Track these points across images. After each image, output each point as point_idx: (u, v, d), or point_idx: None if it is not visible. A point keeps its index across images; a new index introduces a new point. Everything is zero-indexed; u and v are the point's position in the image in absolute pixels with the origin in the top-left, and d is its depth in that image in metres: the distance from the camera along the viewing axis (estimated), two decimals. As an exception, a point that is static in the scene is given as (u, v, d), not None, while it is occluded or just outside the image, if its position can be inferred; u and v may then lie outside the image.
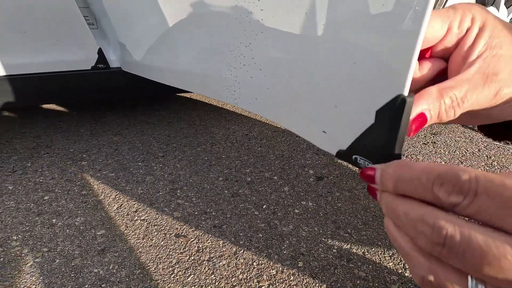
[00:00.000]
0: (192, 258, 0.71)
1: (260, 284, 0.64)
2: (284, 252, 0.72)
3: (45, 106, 1.53)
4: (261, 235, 0.77)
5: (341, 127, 0.22)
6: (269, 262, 0.70)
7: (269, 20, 0.28)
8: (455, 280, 0.13)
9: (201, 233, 0.77)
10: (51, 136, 1.24)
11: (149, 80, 0.76)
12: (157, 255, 0.71)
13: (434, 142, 1.22)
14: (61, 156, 1.10)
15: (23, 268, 0.67)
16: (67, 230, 0.78)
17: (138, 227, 0.79)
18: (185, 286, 0.64)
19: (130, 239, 0.75)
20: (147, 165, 1.06)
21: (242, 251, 0.72)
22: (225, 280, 0.65)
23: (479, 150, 1.17)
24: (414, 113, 0.17)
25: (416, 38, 0.15)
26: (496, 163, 1.10)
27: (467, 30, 0.18)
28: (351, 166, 1.04)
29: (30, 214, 0.83)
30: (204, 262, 0.70)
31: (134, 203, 0.88)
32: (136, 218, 0.82)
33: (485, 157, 1.14)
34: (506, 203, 0.12)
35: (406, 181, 0.15)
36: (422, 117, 0.17)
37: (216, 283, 0.64)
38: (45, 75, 0.89)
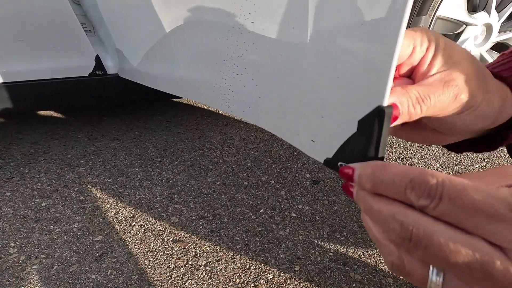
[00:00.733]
0: (190, 263, 0.71)
1: (257, 288, 0.65)
2: (281, 256, 0.73)
3: (43, 112, 1.54)
4: (258, 239, 0.77)
5: (328, 136, 0.23)
6: (266, 266, 0.70)
7: (260, 33, 0.29)
8: (419, 268, 0.15)
9: (198, 238, 0.78)
10: (49, 142, 1.24)
11: (145, 86, 0.77)
12: (154, 261, 0.71)
13: (429, 145, 1.24)
14: (58, 162, 1.10)
15: (21, 275, 0.68)
16: (65, 236, 0.78)
17: (136, 232, 0.80)
18: (183, 291, 0.64)
19: (127, 244, 0.76)
20: (145, 170, 1.06)
21: (239, 255, 0.73)
22: (222, 284, 0.66)
23: (473, 153, 1.19)
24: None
25: (392, 53, 0.16)
26: (489, 165, 1.11)
27: (427, 49, 0.20)
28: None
29: (28, 220, 0.83)
30: (202, 267, 0.70)
31: (131, 208, 0.88)
32: (133, 223, 0.83)
33: (479, 159, 1.15)
34: (464, 207, 0.14)
35: (383, 183, 0.16)
36: (394, 109, 0.18)
37: (213, 288, 0.65)
38: (43, 82, 0.90)
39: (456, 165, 1.10)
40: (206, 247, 0.75)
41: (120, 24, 0.82)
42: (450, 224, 0.14)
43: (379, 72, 0.16)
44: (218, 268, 0.70)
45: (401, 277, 0.16)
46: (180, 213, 0.86)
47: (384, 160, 0.19)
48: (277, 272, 0.69)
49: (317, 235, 0.79)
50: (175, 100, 1.58)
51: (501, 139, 0.25)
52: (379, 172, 0.16)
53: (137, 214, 0.86)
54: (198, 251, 0.74)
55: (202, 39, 0.44)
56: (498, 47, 1.29)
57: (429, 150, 1.20)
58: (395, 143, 1.24)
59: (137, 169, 1.07)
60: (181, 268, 0.70)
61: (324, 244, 0.76)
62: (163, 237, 0.78)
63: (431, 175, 0.15)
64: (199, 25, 0.45)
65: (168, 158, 1.14)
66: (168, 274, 0.68)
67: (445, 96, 0.19)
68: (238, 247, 0.75)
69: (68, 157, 1.14)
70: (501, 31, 1.22)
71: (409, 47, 0.20)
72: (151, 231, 0.80)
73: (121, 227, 0.81)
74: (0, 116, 1.47)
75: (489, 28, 1.19)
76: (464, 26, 1.14)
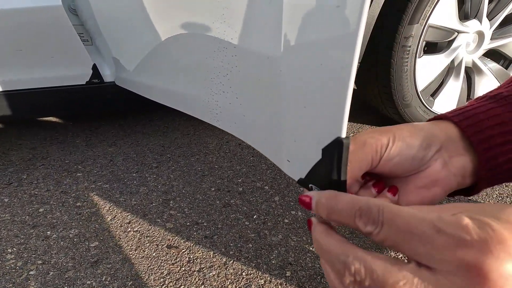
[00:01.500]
0: (183, 269, 0.72)
1: (248, 294, 0.66)
2: (273, 262, 0.74)
3: (42, 117, 1.55)
4: (251, 245, 0.79)
5: (300, 159, 0.24)
6: (258, 272, 0.72)
7: (242, 57, 0.30)
8: None
9: (192, 244, 0.79)
10: (47, 148, 1.26)
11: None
12: (149, 266, 0.73)
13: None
14: (56, 168, 1.12)
15: (18, 281, 0.69)
16: (61, 242, 0.80)
17: (131, 238, 0.81)
18: (176, 297, 0.66)
19: (123, 250, 0.77)
20: (141, 176, 1.08)
21: (232, 261, 0.74)
22: (214, 290, 0.67)
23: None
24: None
25: (346, 90, 0.17)
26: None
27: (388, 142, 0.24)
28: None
29: (25, 226, 0.85)
30: (195, 272, 0.71)
31: (127, 214, 0.90)
32: (129, 229, 0.84)
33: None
34: (399, 231, 0.15)
35: (335, 212, 0.18)
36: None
37: (206, 294, 0.66)
38: (42, 90, 0.92)
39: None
40: (199, 253, 0.77)
41: (117, 34, 0.84)
42: (393, 246, 0.16)
43: (336, 107, 0.18)
44: (211, 274, 0.71)
45: None
46: (175, 219, 0.88)
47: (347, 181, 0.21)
48: (269, 278, 0.70)
49: (309, 241, 0.80)
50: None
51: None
52: (332, 201, 0.18)
53: (132, 220, 0.88)
54: (191, 257, 0.76)
55: (192, 56, 0.46)
56: (491, 53, 1.31)
57: (422, 155, 1.22)
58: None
59: (134, 174, 1.09)
60: (175, 274, 0.71)
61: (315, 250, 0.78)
62: (157, 243, 0.80)
63: (374, 204, 0.16)
64: (189, 42, 0.46)
65: (165, 163, 1.16)
66: (162, 280, 0.70)
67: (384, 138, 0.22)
68: (231, 253, 0.77)
69: (66, 162, 1.16)
70: (493, 38, 1.24)
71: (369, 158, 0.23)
72: (146, 237, 0.82)
73: (117, 233, 0.83)
74: (1, 122, 1.48)
75: (481, 35, 1.21)
76: (456, 33, 1.16)
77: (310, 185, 0.24)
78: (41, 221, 0.87)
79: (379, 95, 1.25)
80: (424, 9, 1.04)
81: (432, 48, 1.21)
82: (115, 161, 1.17)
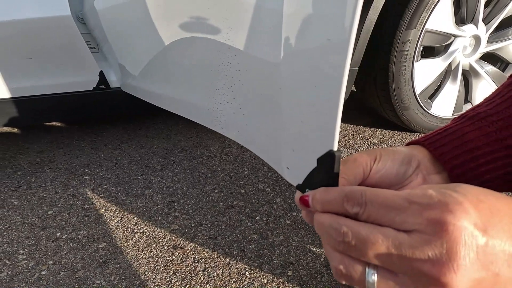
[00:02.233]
0: (189, 268, 0.75)
1: (251, 292, 0.69)
2: (275, 261, 0.77)
3: (49, 122, 1.58)
4: (253, 246, 0.82)
5: (298, 166, 0.27)
6: (260, 271, 0.74)
7: (244, 72, 0.33)
8: (358, 269, 0.19)
9: (197, 245, 0.82)
10: (54, 151, 1.29)
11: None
12: (155, 266, 0.76)
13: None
14: (63, 171, 1.15)
15: (30, 280, 0.72)
16: (71, 244, 0.83)
17: (138, 239, 0.84)
18: (182, 295, 0.68)
19: (130, 251, 0.80)
20: (146, 178, 1.11)
21: (235, 261, 0.77)
22: (219, 289, 0.70)
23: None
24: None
25: (336, 109, 0.20)
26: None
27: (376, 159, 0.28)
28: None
29: (35, 228, 0.88)
30: (200, 272, 0.74)
31: (133, 216, 0.93)
32: (135, 231, 0.87)
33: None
34: (379, 206, 0.19)
35: (327, 202, 0.21)
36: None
37: (210, 292, 0.69)
38: (51, 96, 0.95)
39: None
40: (204, 253, 0.79)
41: (122, 41, 0.87)
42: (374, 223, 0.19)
43: (328, 123, 0.21)
44: (215, 273, 0.74)
45: (347, 283, 0.20)
46: (179, 221, 0.91)
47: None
48: (271, 277, 0.73)
49: (310, 241, 0.83)
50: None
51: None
52: (323, 194, 0.22)
53: (139, 221, 0.91)
54: (196, 257, 0.78)
55: (198, 66, 0.49)
56: (488, 56, 1.34)
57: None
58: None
59: (139, 177, 1.12)
60: (181, 274, 0.74)
61: (316, 250, 0.80)
62: (163, 243, 0.83)
63: (357, 188, 0.20)
64: (194, 53, 0.49)
65: (169, 166, 1.18)
66: (168, 279, 0.73)
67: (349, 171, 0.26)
68: (234, 253, 0.79)
69: (73, 166, 1.19)
70: (489, 41, 1.26)
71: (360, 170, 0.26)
72: (152, 238, 0.85)
73: (124, 234, 0.86)
74: (9, 127, 1.52)
75: (477, 39, 1.23)
76: (453, 38, 1.19)
77: (306, 190, 0.27)
78: (50, 223, 0.90)
79: (378, 98, 1.27)
80: (421, 14, 1.07)
81: (429, 52, 1.24)
82: (120, 164, 1.20)
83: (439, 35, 1.15)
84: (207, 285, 0.71)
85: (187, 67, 0.55)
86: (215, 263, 0.76)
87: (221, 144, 1.35)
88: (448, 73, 1.27)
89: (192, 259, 0.78)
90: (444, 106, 1.30)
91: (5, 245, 0.82)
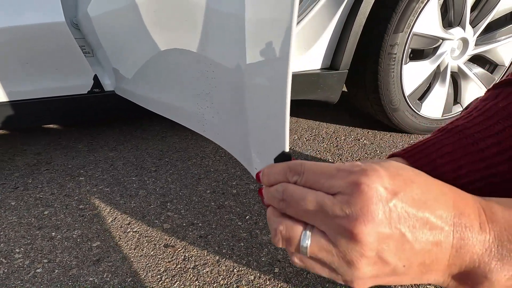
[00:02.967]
0: (179, 266, 0.78)
1: (238, 289, 0.71)
2: (263, 259, 0.79)
3: (46, 125, 1.61)
4: (242, 244, 0.84)
5: (262, 167, 0.29)
6: (248, 268, 0.77)
7: (218, 81, 0.36)
8: (295, 228, 0.22)
9: (187, 243, 0.85)
10: (51, 153, 1.32)
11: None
12: (147, 264, 0.78)
13: (411, 153, 1.30)
14: (60, 172, 1.18)
15: (25, 278, 0.75)
16: (65, 243, 0.85)
17: (131, 238, 0.87)
18: (171, 292, 0.71)
19: (123, 249, 0.83)
20: (140, 179, 1.13)
21: (224, 259, 0.80)
22: (207, 285, 0.72)
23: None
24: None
25: (284, 110, 0.23)
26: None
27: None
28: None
29: (31, 228, 0.91)
30: (190, 269, 0.77)
31: (127, 216, 0.95)
32: (129, 230, 0.90)
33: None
34: (314, 174, 0.22)
35: (273, 174, 0.24)
36: None
37: (199, 289, 0.71)
38: (46, 99, 0.97)
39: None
40: (194, 252, 0.82)
41: (116, 46, 0.90)
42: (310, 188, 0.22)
43: (279, 126, 0.24)
44: (204, 270, 0.76)
45: (283, 246, 0.23)
46: (172, 220, 0.93)
47: None
48: (258, 274, 0.75)
49: (297, 240, 0.86)
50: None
51: None
52: (270, 169, 0.25)
53: (132, 221, 0.93)
54: (187, 255, 0.81)
55: (182, 73, 0.52)
56: (476, 59, 1.36)
57: (410, 157, 1.27)
58: (378, 151, 1.31)
59: (133, 178, 1.14)
60: (171, 271, 0.76)
61: (303, 248, 0.83)
62: (155, 242, 0.85)
63: (298, 161, 0.23)
64: (180, 61, 0.52)
65: (163, 167, 1.21)
66: (158, 276, 0.75)
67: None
68: (224, 251, 0.82)
69: (69, 167, 1.21)
70: (477, 44, 1.29)
71: None
72: (145, 237, 0.87)
73: (117, 233, 0.88)
74: (7, 129, 1.54)
75: (465, 42, 1.26)
76: (441, 41, 1.21)
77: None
78: (46, 223, 0.93)
79: (368, 100, 1.30)
80: (408, 18, 1.10)
81: (418, 54, 1.27)
82: (116, 165, 1.22)
83: (426, 38, 1.18)
84: (196, 282, 0.73)
85: (174, 73, 0.58)
86: (205, 261, 0.79)
87: (215, 146, 1.37)
88: (437, 75, 1.30)
89: (182, 257, 0.80)
90: (434, 108, 1.32)
91: (1, 244, 0.85)
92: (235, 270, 0.76)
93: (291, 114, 1.65)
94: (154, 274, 0.75)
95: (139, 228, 0.90)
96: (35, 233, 0.89)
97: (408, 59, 1.20)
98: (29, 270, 0.77)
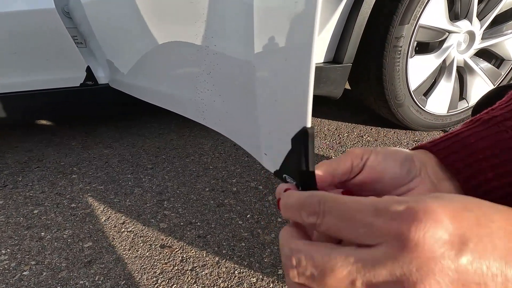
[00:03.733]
0: (176, 268, 0.73)
1: (240, 292, 0.67)
2: (265, 260, 0.75)
3: (37, 120, 1.56)
4: (243, 244, 0.79)
5: (274, 151, 0.25)
6: (250, 270, 0.72)
7: (222, 55, 0.31)
8: None
9: (185, 244, 0.80)
10: (43, 150, 1.26)
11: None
12: (142, 266, 0.73)
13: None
14: (52, 170, 1.13)
15: (11, 281, 0.70)
16: (55, 243, 0.80)
17: (125, 238, 0.82)
18: (168, 296, 0.66)
19: (116, 250, 0.78)
20: (136, 177, 1.09)
21: (224, 260, 0.75)
22: (207, 289, 0.68)
23: None
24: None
25: (307, 82, 0.18)
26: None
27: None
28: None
29: (20, 228, 0.85)
30: (187, 271, 0.72)
31: (121, 215, 0.90)
32: (123, 229, 0.85)
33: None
34: (341, 218, 0.16)
35: (288, 208, 0.19)
36: None
37: (198, 292, 0.66)
38: (36, 92, 0.92)
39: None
40: (192, 252, 0.77)
41: (110, 36, 0.85)
42: (333, 238, 0.17)
43: (300, 98, 0.19)
44: (203, 272, 0.72)
45: None
46: (169, 219, 0.89)
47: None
48: (261, 276, 0.71)
49: (302, 239, 0.81)
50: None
51: None
52: (286, 199, 0.19)
53: (126, 220, 0.88)
54: (184, 256, 0.76)
55: (179, 56, 0.47)
56: (482, 53, 1.33)
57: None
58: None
59: (129, 176, 1.09)
60: (168, 273, 0.72)
61: (307, 248, 0.78)
62: (151, 243, 0.80)
63: (315, 195, 0.17)
64: (176, 43, 0.47)
65: (160, 164, 1.16)
66: (154, 279, 0.70)
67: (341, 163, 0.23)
68: (224, 252, 0.77)
69: (62, 164, 1.16)
70: (483, 38, 1.25)
71: (347, 163, 0.24)
72: (140, 237, 0.82)
73: (111, 233, 0.83)
74: (-5, 124, 1.49)
75: (471, 35, 1.22)
76: (447, 34, 1.18)
77: (284, 176, 0.25)
78: (35, 222, 0.87)
79: (372, 95, 1.26)
80: (414, 10, 1.06)
81: (423, 48, 1.23)
82: (111, 163, 1.17)
83: (433, 31, 1.14)
84: (194, 285, 0.69)
85: (171, 59, 0.53)
86: (204, 262, 0.74)
87: (214, 143, 1.33)
88: (442, 70, 1.26)
89: (180, 258, 0.76)
90: (439, 103, 1.29)
91: (-13, 245, 0.80)
92: (236, 272, 0.72)
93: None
94: (150, 277, 0.71)
95: (134, 228, 0.85)
96: (23, 233, 0.83)
97: (413, 53, 1.16)
98: (15, 272, 0.72)
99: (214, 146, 1.30)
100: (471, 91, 1.33)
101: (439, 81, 1.26)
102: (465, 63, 1.28)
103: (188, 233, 0.83)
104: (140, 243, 0.80)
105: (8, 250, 0.78)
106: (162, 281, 0.70)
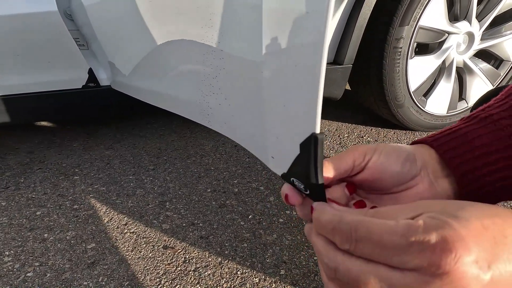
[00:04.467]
0: (179, 268, 0.73)
1: (243, 292, 0.67)
2: (267, 260, 0.75)
3: (39, 122, 1.56)
4: (246, 245, 0.80)
5: (282, 154, 0.26)
6: (252, 271, 0.73)
7: (228, 60, 0.32)
8: None
9: (188, 244, 0.80)
10: (44, 151, 1.27)
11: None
12: (145, 267, 0.74)
13: (416, 150, 1.27)
14: (53, 171, 1.13)
15: (15, 282, 0.70)
16: (58, 245, 0.80)
17: (128, 239, 0.82)
18: (171, 296, 0.66)
19: (119, 251, 0.78)
20: (138, 178, 1.09)
21: (227, 260, 0.75)
22: (210, 289, 0.68)
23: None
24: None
25: (317, 89, 0.19)
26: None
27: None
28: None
29: (23, 229, 0.86)
30: (190, 272, 0.72)
31: (124, 216, 0.91)
32: (125, 231, 0.85)
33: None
34: (374, 246, 0.17)
35: (321, 226, 0.20)
36: None
37: (201, 293, 0.67)
38: (38, 94, 0.93)
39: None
40: (195, 253, 0.78)
41: (112, 38, 0.85)
42: (369, 260, 0.18)
43: (309, 106, 0.20)
44: (206, 273, 0.72)
45: None
46: (171, 220, 0.89)
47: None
48: (263, 276, 0.71)
49: (303, 240, 0.82)
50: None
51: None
52: (319, 214, 0.20)
53: (129, 221, 0.89)
54: (187, 257, 0.77)
55: (184, 59, 0.48)
56: (481, 54, 1.33)
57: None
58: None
59: (131, 177, 1.10)
60: (171, 274, 0.72)
61: (309, 249, 0.79)
62: (154, 243, 0.81)
63: (347, 222, 0.18)
64: (181, 46, 0.48)
65: (161, 165, 1.17)
66: (157, 280, 0.71)
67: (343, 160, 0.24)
68: (226, 252, 0.78)
69: (63, 166, 1.16)
70: (483, 39, 1.26)
71: (350, 163, 0.25)
72: (143, 238, 0.83)
73: (113, 234, 0.84)
74: (-4, 126, 1.49)
75: (471, 36, 1.23)
76: (446, 35, 1.19)
77: (291, 179, 0.25)
78: (38, 224, 0.88)
79: (372, 95, 1.26)
80: (414, 11, 1.07)
81: (423, 49, 1.24)
82: (112, 164, 1.18)
83: (432, 32, 1.15)
84: (197, 286, 0.69)
85: (175, 61, 0.54)
86: (206, 263, 0.75)
87: (215, 143, 1.33)
88: (442, 71, 1.27)
89: (182, 259, 0.76)
90: (439, 104, 1.29)
91: (-10, 247, 0.80)
92: (238, 272, 0.72)
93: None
94: (153, 278, 0.71)
95: (136, 229, 0.86)
96: (26, 234, 0.84)
97: (413, 54, 1.17)
98: (19, 274, 0.72)
99: (215, 147, 1.30)
100: (470, 92, 1.34)
101: (439, 82, 1.27)
102: (465, 64, 1.29)
103: (191, 234, 0.84)
104: (143, 244, 0.81)
105: (12, 251, 0.78)
106: (166, 281, 0.70)
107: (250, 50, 0.27)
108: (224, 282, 0.70)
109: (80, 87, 0.95)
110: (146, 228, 0.86)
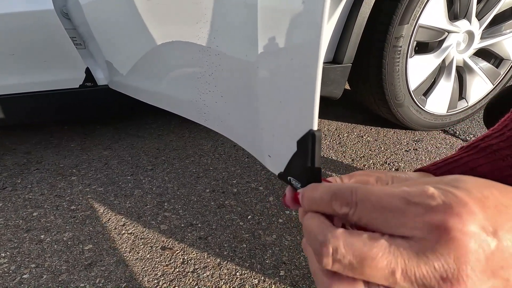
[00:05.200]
0: (177, 270, 0.73)
1: (242, 293, 0.66)
2: (267, 261, 0.74)
3: (35, 122, 1.55)
4: (245, 246, 0.79)
5: (279, 153, 0.25)
6: (251, 272, 0.72)
7: (224, 56, 0.31)
8: None
9: (186, 245, 0.79)
10: (42, 152, 1.26)
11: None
12: (143, 268, 0.73)
13: (416, 149, 1.27)
14: (51, 172, 1.12)
15: (11, 284, 0.69)
16: (55, 246, 0.79)
17: (125, 240, 0.81)
18: (169, 298, 0.66)
19: (117, 252, 0.77)
20: (136, 178, 1.08)
21: (226, 261, 0.75)
22: (208, 290, 0.67)
23: (458, 156, 1.21)
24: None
25: (314, 85, 0.18)
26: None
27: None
28: (334, 175, 1.07)
29: (19, 230, 0.85)
30: (189, 273, 0.72)
31: (122, 217, 0.90)
32: (123, 231, 0.84)
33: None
34: (373, 208, 0.16)
35: (315, 201, 0.19)
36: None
37: (199, 294, 0.66)
38: (35, 94, 0.92)
39: (441, 169, 1.12)
40: (193, 254, 0.77)
41: (109, 38, 0.85)
42: (365, 228, 0.17)
43: (307, 102, 0.19)
44: (205, 274, 0.71)
45: None
46: (169, 221, 0.88)
47: (323, 172, 0.21)
48: (263, 278, 0.70)
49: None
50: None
51: None
52: (311, 192, 0.19)
53: (127, 222, 0.88)
54: (185, 258, 0.76)
55: (180, 57, 0.47)
56: (481, 52, 1.33)
57: (415, 154, 1.23)
58: (382, 148, 1.27)
59: (129, 177, 1.09)
60: (169, 275, 0.71)
61: (309, 249, 0.78)
62: (152, 244, 0.80)
63: (347, 186, 0.17)
64: (177, 44, 0.47)
65: (160, 166, 1.16)
66: (155, 281, 0.70)
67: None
68: (225, 253, 0.77)
69: (61, 166, 1.15)
70: (483, 37, 1.26)
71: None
72: (141, 239, 0.82)
73: (111, 235, 0.83)
74: (-6, 126, 1.48)
75: (471, 35, 1.22)
76: (446, 33, 1.18)
77: (288, 178, 0.24)
78: (35, 225, 0.87)
79: (371, 95, 1.26)
80: (414, 9, 1.06)
81: (423, 48, 1.23)
82: (110, 164, 1.17)
83: (432, 31, 1.14)
84: (196, 287, 0.68)
85: (171, 59, 0.53)
86: (205, 264, 0.74)
87: (213, 144, 1.32)
88: (442, 70, 1.26)
89: (181, 260, 0.75)
90: (439, 103, 1.29)
91: (-14, 249, 0.79)
92: (237, 273, 0.71)
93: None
94: (151, 279, 0.70)
95: (134, 230, 0.85)
96: (22, 235, 0.83)
97: (413, 53, 1.16)
98: (15, 276, 0.71)
99: (214, 147, 1.30)
100: (470, 91, 1.33)
101: (439, 81, 1.26)
102: (465, 62, 1.28)
103: (189, 234, 0.83)
104: (141, 245, 0.80)
105: (8, 253, 0.77)
106: (164, 283, 0.69)
107: (245, 47, 0.26)
108: (223, 284, 0.69)
109: (77, 86, 0.94)
110: (144, 229, 0.85)
